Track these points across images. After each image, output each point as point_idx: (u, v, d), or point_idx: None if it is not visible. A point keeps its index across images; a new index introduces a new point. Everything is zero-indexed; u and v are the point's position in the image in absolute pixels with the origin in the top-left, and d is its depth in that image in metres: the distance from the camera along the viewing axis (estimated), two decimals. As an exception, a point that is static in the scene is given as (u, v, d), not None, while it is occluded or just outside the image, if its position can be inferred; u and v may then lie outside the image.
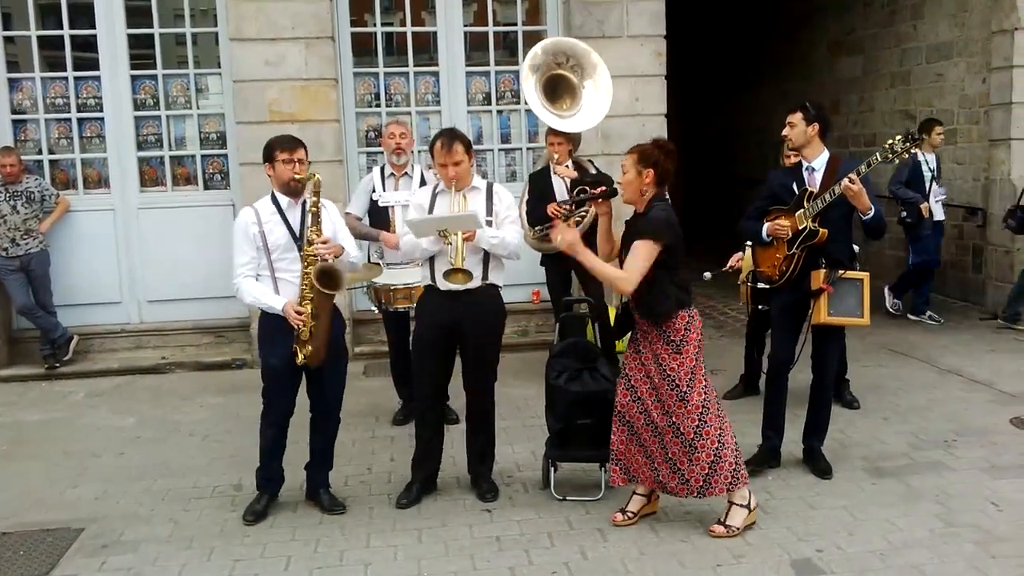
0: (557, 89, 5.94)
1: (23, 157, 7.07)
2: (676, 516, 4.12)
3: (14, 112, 7.32)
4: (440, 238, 4.12)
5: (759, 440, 4.72)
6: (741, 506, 3.94)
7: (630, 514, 4.05)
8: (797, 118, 4.50)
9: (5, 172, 6.77)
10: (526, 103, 6.21)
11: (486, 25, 7.64)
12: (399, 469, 4.69)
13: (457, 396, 4.82)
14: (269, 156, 4.10)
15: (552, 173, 5.99)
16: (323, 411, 4.31)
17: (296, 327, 3.98)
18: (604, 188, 4.10)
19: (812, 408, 4.68)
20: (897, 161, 4.90)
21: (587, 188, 5.60)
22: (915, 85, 9.37)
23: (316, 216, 3.99)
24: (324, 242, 3.98)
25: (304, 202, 4.13)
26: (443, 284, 4.21)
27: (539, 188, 6.06)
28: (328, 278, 3.94)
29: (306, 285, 3.98)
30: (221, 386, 6.58)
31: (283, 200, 4.12)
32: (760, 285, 5.19)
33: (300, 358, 4.02)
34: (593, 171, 5.98)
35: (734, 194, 12.62)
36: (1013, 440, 5.01)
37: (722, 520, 3.94)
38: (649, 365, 3.90)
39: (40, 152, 7.35)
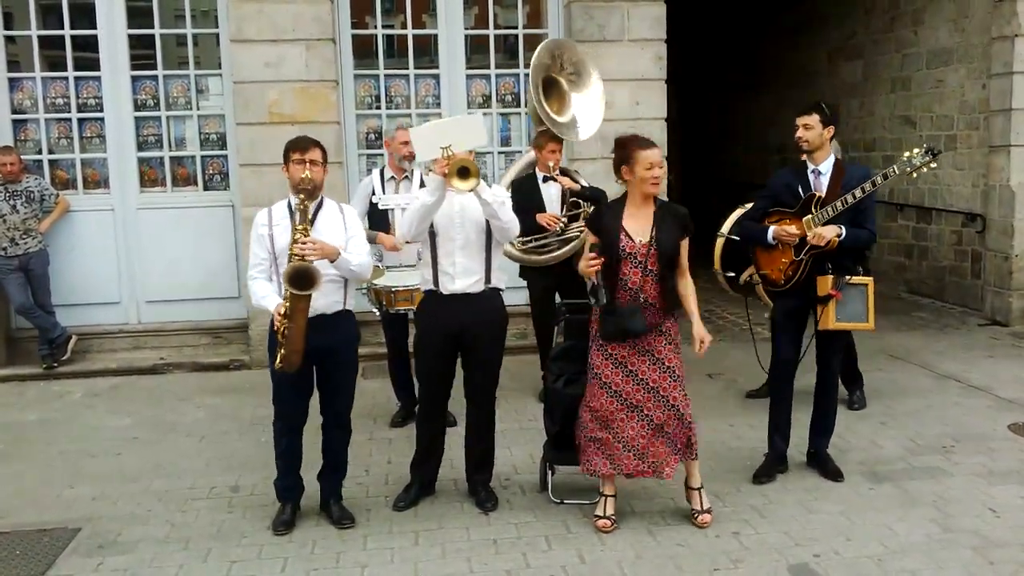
0: (548, 92, 5.78)
1: (23, 156, 7.07)
2: (674, 520, 4.12)
3: (14, 111, 7.32)
4: (445, 177, 3.89)
5: (757, 444, 4.71)
6: (701, 487, 4.13)
7: (613, 517, 4.07)
8: (814, 120, 4.42)
9: (5, 171, 6.76)
10: (530, 106, 5.95)
11: (487, 28, 7.65)
12: (396, 471, 4.68)
13: (453, 398, 4.79)
14: (285, 157, 4.06)
15: (541, 181, 5.69)
16: (332, 421, 4.22)
17: (276, 327, 3.84)
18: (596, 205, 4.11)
19: (818, 412, 4.67)
20: (915, 176, 4.67)
21: (579, 202, 5.55)
22: (915, 91, 9.37)
23: (304, 214, 3.88)
24: (312, 242, 3.83)
25: (320, 205, 4.03)
26: (446, 288, 4.18)
27: (525, 197, 5.51)
28: (299, 278, 3.71)
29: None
30: (219, 387, 6.57)
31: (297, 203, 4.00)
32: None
33: (277, 362, 3.89)
34: (584, 183, 5.76)
35: (733, 198, 12.59)
36: (1011, 446, 5.01)
37: (702, 509, 4.08)
38: (644, 367, 3.96)
39: (40, 152, 7.35)
